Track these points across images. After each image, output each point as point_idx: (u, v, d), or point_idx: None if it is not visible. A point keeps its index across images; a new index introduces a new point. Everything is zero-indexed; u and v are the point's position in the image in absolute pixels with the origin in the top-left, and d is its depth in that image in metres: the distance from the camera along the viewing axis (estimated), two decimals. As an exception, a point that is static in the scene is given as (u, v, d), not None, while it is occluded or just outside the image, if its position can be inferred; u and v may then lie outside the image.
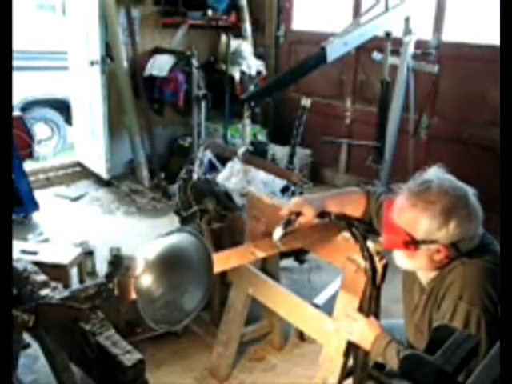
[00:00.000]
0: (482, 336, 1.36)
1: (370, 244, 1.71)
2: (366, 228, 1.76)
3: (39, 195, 4.27)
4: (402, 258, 1.53)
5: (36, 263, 1.57)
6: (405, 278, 1.70)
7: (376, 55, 3.99)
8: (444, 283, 1.48)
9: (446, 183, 1.45)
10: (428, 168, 1.54)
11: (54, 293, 1.34)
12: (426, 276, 1.56)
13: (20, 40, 4.92)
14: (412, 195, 1.46)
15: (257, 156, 3.26)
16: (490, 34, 3.91)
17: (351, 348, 1.82)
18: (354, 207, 1.78)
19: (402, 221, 1.47)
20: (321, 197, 1.78)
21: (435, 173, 1.51)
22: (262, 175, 2.97)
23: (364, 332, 1.67)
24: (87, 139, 5.03)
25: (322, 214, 1.76)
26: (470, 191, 1.46)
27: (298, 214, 1.71)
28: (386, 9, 3.51)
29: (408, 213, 1.46)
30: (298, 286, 3.13)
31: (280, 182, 3.00)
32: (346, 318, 1.75)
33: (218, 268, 1.53)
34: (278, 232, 1.68)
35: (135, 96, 4.76)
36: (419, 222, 1.43)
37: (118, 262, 1.29)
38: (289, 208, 1.73)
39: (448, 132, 4.39)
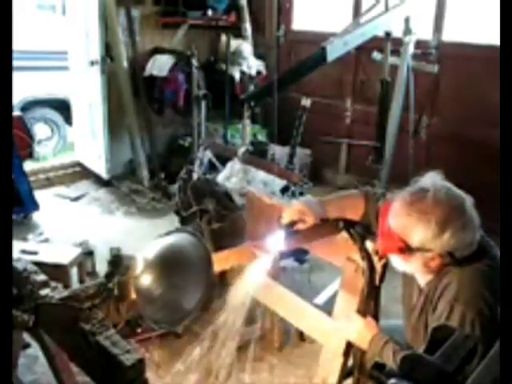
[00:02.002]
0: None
1: (368, 244, 1.70)
2: (365, 228, 1.76)
3: (39, 195, 4.27)
4: (397, 261, 1.53)
5: (36, 263, 1.57)
6: (404, 280, 1.70)
7: (376, 55, 3.99)
8: (440, 285, 1.48)
9: (442, 192, 1.43)
10: (425, 173, 1.52)
11: (53, 293, 1.33)
12: (423, 278, 1.57)
13: (20, 40, 4.91)
14: (407, 204, 1.45)
15: (257, 156, 3.26)
16: (490, 34, 3.91)
17: (351, 348, 1.82)
18: (354, 211, 1.77)
19: (397, 228, 1.46)
20: (321, 202, 1.75)
21: (432, 179, 1.49)
22: (261, 175, 2.98)
23: (361, 332, 1.68)
24: (87, 139, 5.03)
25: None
26: (467, 200, 1.44)
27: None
28: (386, 9, 3.52)
29: (403, 221, 1.45)
30: (298, 285, 3.13)
31: (280, 182, 3.00)
32: (344, 318, 1.75)
33: (217, 268, 1.53)
34: (280, 238, 1.67)
35: (135, 96, 4.76)
36: (414, 231, 1.43)
37: (118, 262, 1.29)
38: (290, 215, 1.72)
39: (448, 132, 4.39)
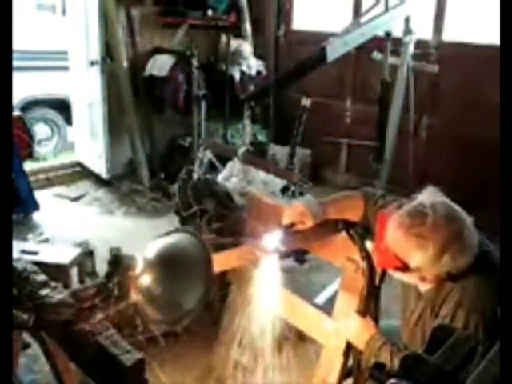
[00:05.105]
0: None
1: (368, 244, 1.70)
2: (365, 229, 1.76)
3: (39, 195, 4.27)
4: (393, 272, 1.54)
5: (36, 263, 1.57)
6: (401, 282, 1.70)
7: (376, 55, 3.99)
8: (443, 291, 1.47)
9: (441, 216, 1.40)
10: (423, 189, 1.51)
11: (53, 293, 1.33)
12: (422, 285, 1.56)
13: (20, 40, 4.91)
14: (406, 226, 1.43)
15: (257, 156, 3.26)
16: (490, 34, 3.91)
17: (351, 348, 1.82)
18: (353, 212, 1.77)
19: (395, 248, 1.45)
20: (321, 204, 1.75)
21: (431, 198, 1.46)
22: (262, 175, 2.97)
23: (359, 332, 1.68)
24: (87, 139, 5.03)
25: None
26: (467, 220, 1.42)
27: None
28: (386, 9, 3.51)
29: (401, 243, 1.44)
30: (298, 285, 3.12)
31: (280, 182, 3.00)
32: (343, 318, 1.75)
33: (218, 268, 1.53)
34: (280, 238, 1.67)
35: (135, 96, 4.76)
36: (412, 255, 1.42)
37: (118, 262, 1.29)
38: (290, 216, 1.72)
39: (448, 132, 4.39)
